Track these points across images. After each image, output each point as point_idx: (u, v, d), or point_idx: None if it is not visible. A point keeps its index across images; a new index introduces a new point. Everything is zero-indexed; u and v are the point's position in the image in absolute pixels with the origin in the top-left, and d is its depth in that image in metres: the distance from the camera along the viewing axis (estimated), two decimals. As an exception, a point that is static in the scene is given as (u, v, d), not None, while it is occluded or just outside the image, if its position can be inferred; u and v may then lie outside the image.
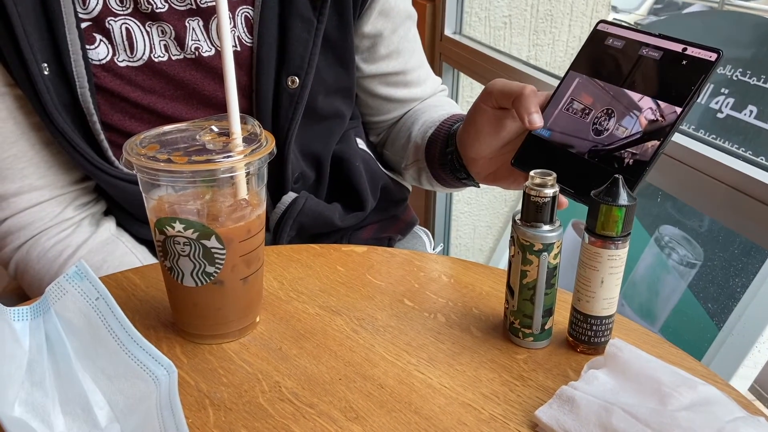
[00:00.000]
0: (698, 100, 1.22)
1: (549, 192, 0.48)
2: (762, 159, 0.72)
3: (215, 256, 0.48)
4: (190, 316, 0.51)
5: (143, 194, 0.48)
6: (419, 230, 0.97)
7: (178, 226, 0.46)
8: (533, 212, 0.49)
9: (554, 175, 0.48)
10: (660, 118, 0.52)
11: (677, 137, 0.77)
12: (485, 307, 0.57)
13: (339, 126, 0.80)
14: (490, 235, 1.74)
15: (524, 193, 0.49)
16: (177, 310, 0.52)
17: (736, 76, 1.11)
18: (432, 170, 0.79)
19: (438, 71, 1.48)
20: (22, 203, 0.68)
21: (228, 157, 0.45)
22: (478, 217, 1.70)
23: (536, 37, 1.53)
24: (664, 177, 0.83)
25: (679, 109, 0.51)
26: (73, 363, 0.43)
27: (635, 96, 0.53)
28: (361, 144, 0.85)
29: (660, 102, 0.52)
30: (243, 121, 0.49)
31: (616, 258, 0.48)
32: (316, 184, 0.80)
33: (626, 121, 0.53)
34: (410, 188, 0.92)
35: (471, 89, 1.53)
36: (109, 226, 0.73)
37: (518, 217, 0.50)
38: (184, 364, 0.50)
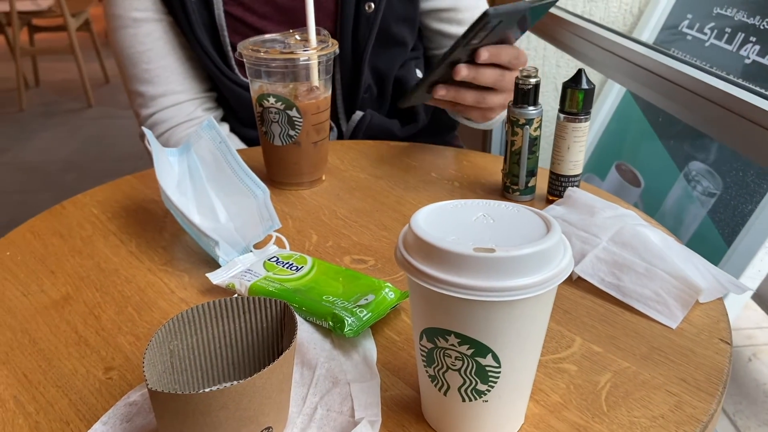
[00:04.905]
0: (707, 42, 1.31)
1: (532, 81, 0.66)
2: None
3: (295, 123, 0.70)
4: (277, 167, 0.74)
5: (249, 81, 0.71)
6: (463, 152, 1.16)
7: (271, 99, 0.69)
8: (521, 96, 0.67)
9: (537, 68, 0.67)
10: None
11: (715, 82, 0.92)
12: (491, 180, 0.77)
13: (402, 53, 1.00)
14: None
15: (515, 83, 0.67)
16: (268, 164, 0.75)
17: (763, 25, 1.21)
18: None
19: (497, 26, 1.63)
20: (166, 102, 0.93)
21: (306, 50, 0.67)
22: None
23: (591, -6, 1.65)
24: (695, 115, 0.97)
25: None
26: (205, 184, 0.67)
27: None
28: (419, 74, 1.05)
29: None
30: (318, 33, 0.71)
31: (579, 129, 0.66)
32: (380, 100, 1.01)
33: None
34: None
35: (527, 42, 1.68)
36: (225, 127, 0.98)
37: (511, 102, 0.69)
38: (273, 199, 0.72)
